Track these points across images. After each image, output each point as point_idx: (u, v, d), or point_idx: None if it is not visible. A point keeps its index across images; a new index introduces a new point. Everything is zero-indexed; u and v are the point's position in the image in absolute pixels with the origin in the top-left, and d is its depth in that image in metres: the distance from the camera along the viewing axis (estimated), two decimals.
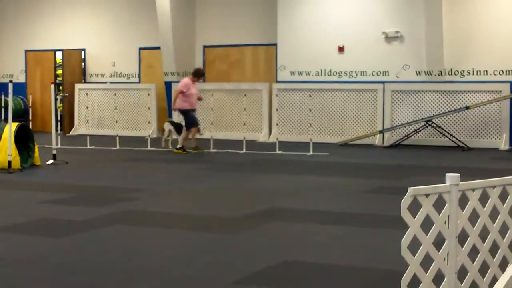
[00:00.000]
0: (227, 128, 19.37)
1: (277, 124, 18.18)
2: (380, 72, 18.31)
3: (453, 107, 17.33)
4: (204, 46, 20.78)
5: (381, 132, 17.74)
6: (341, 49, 18.63)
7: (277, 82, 19.18)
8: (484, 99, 17.13)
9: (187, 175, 12.37)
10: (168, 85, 20.27)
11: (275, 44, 19.46)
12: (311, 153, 15.26)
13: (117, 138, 16.98)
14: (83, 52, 22.35)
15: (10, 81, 13.20)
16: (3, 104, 19.36)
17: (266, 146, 17.07)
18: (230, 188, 10.93)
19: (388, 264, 6.00)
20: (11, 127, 12.52)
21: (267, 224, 7.98)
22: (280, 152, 15.67)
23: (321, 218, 8.35)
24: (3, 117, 18.98)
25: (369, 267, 6.05)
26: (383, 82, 18.08)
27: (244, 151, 15.86)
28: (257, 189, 10.76)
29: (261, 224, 7.95)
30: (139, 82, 21.61)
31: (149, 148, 16.70)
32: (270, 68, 19.81)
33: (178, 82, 20.04)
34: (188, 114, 16.05)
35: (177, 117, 17.53)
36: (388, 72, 18.23)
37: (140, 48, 21.60)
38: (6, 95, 14.36)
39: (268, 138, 18.77)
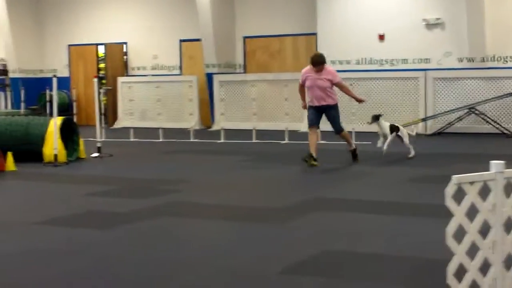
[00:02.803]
0: (269, 118, 19.37)
1: None
2: (421, 59, 18.18)
3: (496, 93, 17.13)
4: (244, 37, 20.82)
5: (423, 120, 17.61)
6: (381, 37, 18.53)
7: None
8: None
9: (230, 166, 12.42)
10: (209, 76, 20.35)
11: (315, 34, 19.42)
12: (353, 142, 15.18)
13: (160, 130, 17.11)
14: (125, 45, 22.55)
15: (54, 76, 13.40)
16: (48, 99, 19.63)
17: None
18: (273, 178, 10.96)
19: (432, 253, 5.98)
20: (56, 121, 12.71)
21: (310, 214, 8.00)
22: (322, 141, 15.65)
23: (364, 207, 8.35)
24: (48, 112, 19.25)
25: (413, 256, 6.04)
26: (425, 70, 17.94)
27: (286, 141, 15.88)
28: (300, 179, 10.78)
29: (304, 215, 7.96)
30: (181, 74, 21.73)
31: (192, 140, 16.79)
32: None
33: (219, 73, 20.15)
34: (308, 112, 12.77)
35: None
36: (429, 59, 18.09)
37: (181, 40, 21.71)
38: (51, 89, 14.55)
39: None
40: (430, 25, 17.99)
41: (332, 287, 5.29)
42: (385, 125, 12.89)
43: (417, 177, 10.50)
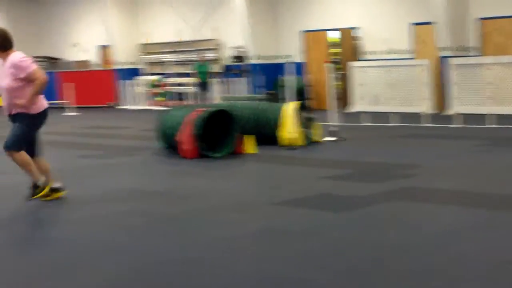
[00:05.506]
0: (506, 102, 18.67)
1: None
2: None
3: None
4: (480, 19, 20.21)
5: None
6: None
7: None
8: None
9: (464, 151, 12.22)
10: (442, 60, 20.01)
11: None
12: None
13: (392, 114, 17.12)
14: (357, 30, 22.75)
15: (287, 62, 13.88)
16: (283, 84, 20.30)
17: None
18: (509, 164, 10.64)
19: None
20: (291, 106, 13.18)
21: None
22: None
23: None
24: (284, 96, 19.90)
25: None
26: None
27: None
28: None
29: None
30: (413, 58, 21.55)
31: (424, 124, 16.65)
32: None
33: (452, 57, 19.73)
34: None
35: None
36: None
37: (413, 24, 21.51)
38: (285, 75, 15.09)
39: None
40: None
41: None
42: None
43: None
